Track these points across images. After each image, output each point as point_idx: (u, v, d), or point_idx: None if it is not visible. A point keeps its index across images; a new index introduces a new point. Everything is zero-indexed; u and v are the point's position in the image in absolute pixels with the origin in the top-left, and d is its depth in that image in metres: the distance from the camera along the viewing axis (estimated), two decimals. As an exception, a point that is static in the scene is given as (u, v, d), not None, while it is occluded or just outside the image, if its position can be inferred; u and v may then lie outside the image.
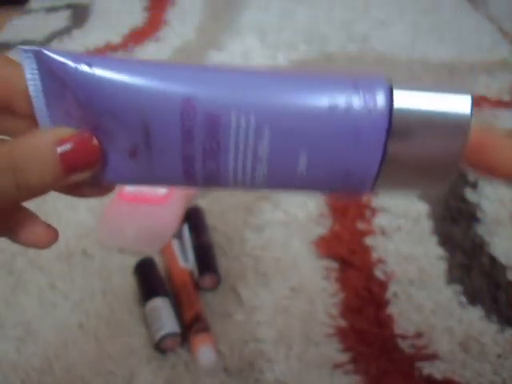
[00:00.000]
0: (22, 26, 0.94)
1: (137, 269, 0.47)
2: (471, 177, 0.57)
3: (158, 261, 0.49)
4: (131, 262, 0.48)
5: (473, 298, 0.45)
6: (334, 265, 0.49)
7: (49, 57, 0.20)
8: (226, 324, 0.44)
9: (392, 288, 0.46)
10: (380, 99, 0.20)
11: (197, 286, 0.46)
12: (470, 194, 0.55)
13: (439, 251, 0.50)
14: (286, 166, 0.21)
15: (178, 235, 0.51)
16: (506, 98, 0.70)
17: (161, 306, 0.43)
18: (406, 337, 0.43)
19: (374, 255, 0.49)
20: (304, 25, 0.89)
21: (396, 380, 0.40)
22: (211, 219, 0.53)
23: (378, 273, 0.48)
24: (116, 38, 0.87)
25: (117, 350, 0.42)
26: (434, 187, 0.22)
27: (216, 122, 0.20)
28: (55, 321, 0.45)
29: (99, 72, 0.19)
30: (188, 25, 0.91)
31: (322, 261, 0.49)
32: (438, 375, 0.40)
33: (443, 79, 0.74)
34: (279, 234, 0.52)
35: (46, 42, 0.86)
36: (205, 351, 0.41)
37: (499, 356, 0.41)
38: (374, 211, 0.54)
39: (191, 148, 0.20)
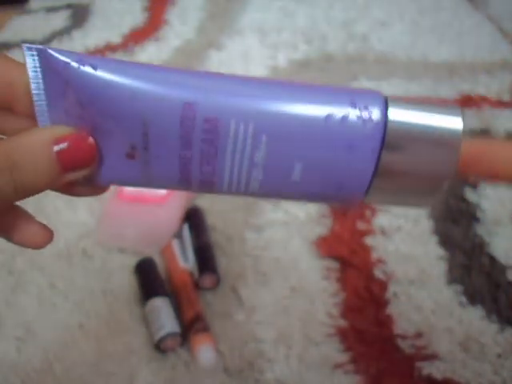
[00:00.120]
0: (21, 26, 0.94)
1: (137, 269, 0.48)
2: (471, 177, 0.57)
3: (158, 261, 0.49)
4: (131, 261, 0.48)
5: (473, 298, 0.45)
6: (334, 265, 0.49)
7: (53, 56, 0.20)
8: (226, 324, 0.44)
9: (392, 288, 0.46)
10: (375, 112, 0.20)
11: (197, 286, 0.46)
12: (469, 194, 0.55)
13: (439, 251, 0.50)
14: (281, 174, 0.21)
15: (178, 235, 0.51)
16: (506, 97, 0.70)
17: (161, 305, 0.43)
18: (406, 337, 0.43)
19: (374, 255, 0.49)
20: (304, 25, 0.89)
21: (396, 380, 0.40)
22: (211, 219, 0.53)
23: (378, 273, 0.48)
24: (116, 38, 0.87)
25: (117, 350, 0.42)
26: (424, 201, 0.22)
27: (215, 127, 0.20)
28: (55, 321, 0.45)
29: (103, 73, 0.20)
30: (188, 25, 0.91)
31: (322, 261, 0.49)
32: (437, 375, 0.40)
33: (443, 79, 0.74)
34: (279, 234, 0.52)
35: (46, 41, 0.86)
36: (205, 351, 0.41)
37: (499, 356, 0.41)
38: (374, 211, 0.54)
39: (189, 152, 0.21)
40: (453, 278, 0.47)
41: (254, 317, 0.44)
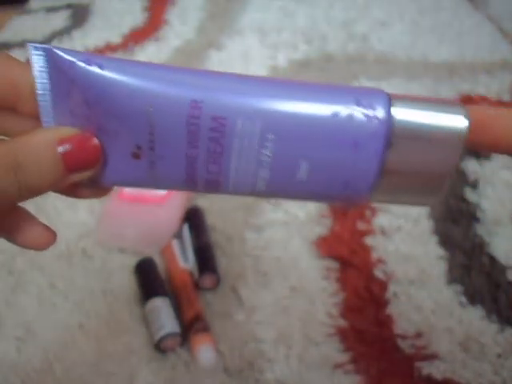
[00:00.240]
0: (21, 26, 0.94)
1: (137, 269, 0.48)
2: (471, 177, 0.57)
3: (158, 261, 0.49)
4: (131, 261, 0.48)
5: (473, 298, 0.45)
6: (334, 265, 0.49)
7: (58, 55, 0.20)
8: (226, 324, 0.44)
9: (392, 288, 0.46)
10: (380, 110, 0.20)
11: (197, 286, 0.46)
12: (469, 194, 0.55)
13: (439, 251, 0.50)
14: (287, 172, 0.21)
15: (178, 235, 0.51)
16: (506, 97, 0.70)
17: (161, 305, 0.43)
18: (406, 337, 0.43)
19: (374, 255, 0.49)
20: (304, 25, 0.89)
21: (396, 380, 0.40)
22: (211, 219, 0.53)
23: (378, 273, 0.48)
24: (116, 38, 0.87)
25: (117, 350, 0.42)
26: (428, 199, 0.22)
27: (222, 126, 0.20)
28: (55, 321, 0.45)
29: (109, 73, 0.20)
30: (188, 25, 0.91)
31: (322, 261, 0.49)
32: (437, 375, 0.40)
33: (443, 79, 0.74)
34: (279, 234, 0.52)
35: (46, 41, 0.86)
36: (205, 351, 0.41)
37: (499, 356, 0.41)
38: (374, 211, 0.54)
39: (195, 151, 0.20)
40: (453, 278, 0.47)
41: (254, 317, 0.44)
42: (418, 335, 0.43)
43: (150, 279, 0.47)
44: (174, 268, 0.47)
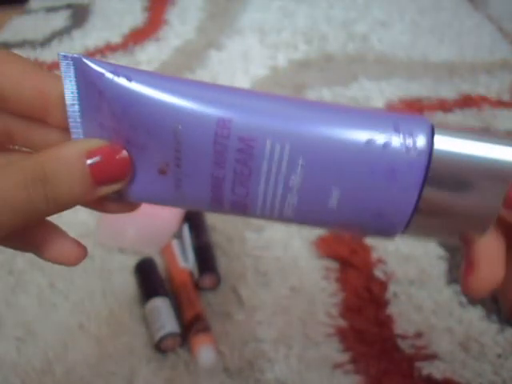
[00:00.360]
0: (21, 26, 0.94)
1: (137, 269, 0.48)
2: None
3: (158, 261, 0.49)
4: (131, 261, 0.48)
5: (473, 298, 0.45)
6: (334, 265, 0.49)
7: (87, 65, 0.19)
8: (226, 324, 0.44)
9: (392, 288, 0.46)
10: (420, 139, 0.19)
11: (197, 286, 0.46)
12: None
13: (439, 251, 0.49)
14: (316, 199, 0.20)
15: (178, 235, 0.51)
16: (506, 97, 0.70)
17: (161, 305, 0.43)
18: (406, 337, 0.43)
19: (374, 255, 0.49)
20: (304, 25, 0.89)
21: (396, 380, 0.40)
22: (211, 219, 0.53)
23: (378, 273, 0.48)
24: (116, 38, 0.87)
25: (117, 350, 0.42)
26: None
27: (250, 148, 0.19)
28: (55, 321, 0.45)
29: (137, 86, 0.19)
30: (188, 25, 0.91)
31: (322, 261, 0.49)
32: (437, 375, 0.40)
33: (443, 79, 0.74)
34: (279, 234, 0.52)
35: (46, 41, 0.86)
36: (205, 351, 0.41)
37: (499, 356, 0.41)
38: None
39: (222, 171, 0.20)
40: (453, 278, 0.47)
41: (254, 317, 0.44)
42: (418, 335, 0.43)
43: (149, 279, 0.47)
44: (174, 268, 0.47)
